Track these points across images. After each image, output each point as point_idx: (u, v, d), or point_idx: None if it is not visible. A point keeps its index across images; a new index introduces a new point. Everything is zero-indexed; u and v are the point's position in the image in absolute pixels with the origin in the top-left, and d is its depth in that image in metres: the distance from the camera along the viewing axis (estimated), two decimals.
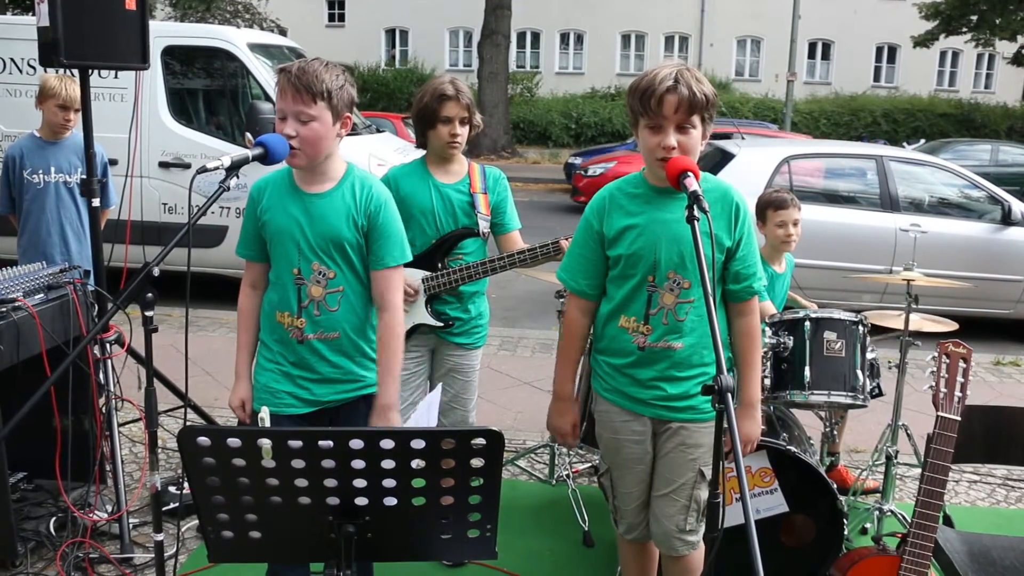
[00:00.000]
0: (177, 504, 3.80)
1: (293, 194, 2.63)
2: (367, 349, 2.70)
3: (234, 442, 1.73)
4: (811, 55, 33.40)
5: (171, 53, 8.12)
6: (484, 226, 3.44)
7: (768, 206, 4.15)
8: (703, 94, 2.47)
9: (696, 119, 2.49)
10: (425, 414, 2.48)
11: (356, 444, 1.72)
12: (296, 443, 1.72)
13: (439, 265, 3.41)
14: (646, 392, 2.68)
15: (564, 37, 34.17)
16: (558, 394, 2.89)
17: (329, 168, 2.64)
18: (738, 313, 2.72)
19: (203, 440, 1.73)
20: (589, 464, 4.65)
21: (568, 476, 4.34)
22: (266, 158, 2.44)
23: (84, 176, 4.31)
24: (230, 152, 2.42)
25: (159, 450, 4.12)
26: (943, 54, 32.66)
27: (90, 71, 3.83)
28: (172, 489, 3.96)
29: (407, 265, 3.35)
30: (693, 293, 2.60)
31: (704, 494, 2.69)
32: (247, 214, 2.71)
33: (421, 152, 3.51)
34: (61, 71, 4.45)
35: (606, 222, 2.66)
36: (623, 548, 3.00)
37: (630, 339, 2.66)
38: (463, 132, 3.36)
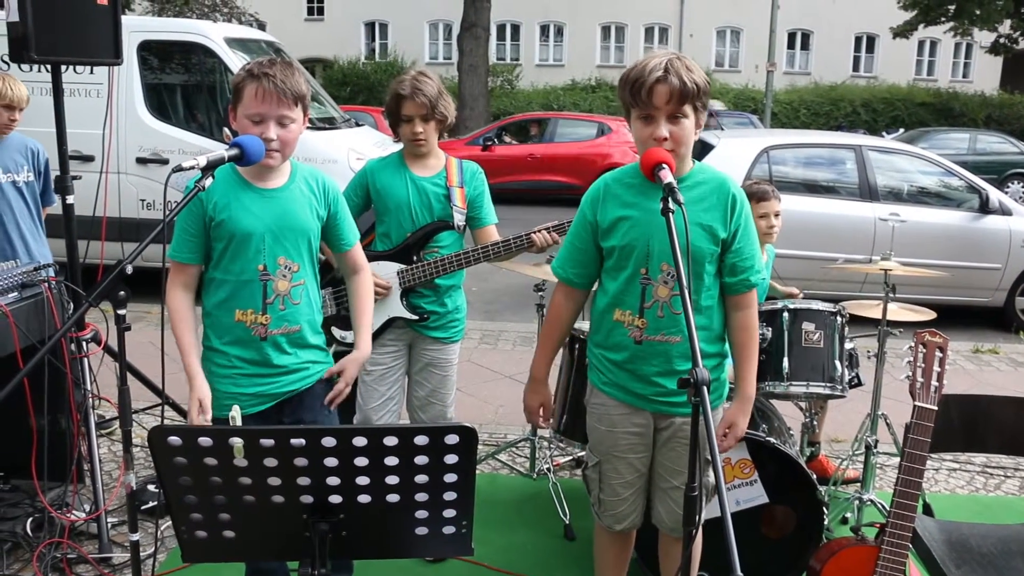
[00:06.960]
0: (157, 503, 3.77)
1: (248, 191, 2.62)
2: (318, 340, 2.79)
3: (205, 441, 1.72)
4: (791, 45, 33.50)
5: (147, 48, 8.04)
6: (460, 219, 3.43)
7: (750, 198, 4.12)
8: (694, 83, 2.44)
9: (688, 108, 2.47)
10: None
11: (328, 442, 1.71)
12: (268, 441, 1.72)
13: (414, 258, 3.40)
14: (648, 388, 2.66)
15: (544, 29, 34.13)
16: (533, 375, 2.90)
17: (285, 164, 2.69)
18: (735, 306, 2.68)
19: (174, 439, 1.72)
20: (570, 457, 4.65)
21: (549, 469, 4.33)
22: (242, 159, 2.45)
23: (31, 175, 4.31)
24: (208, 147, 2.41)
25: (139, 448, 4.10)
26: (921, 43, 32.80)
27: (63, 66, 3.78)
28: (151, 487, 3.93)
29: (381, 258, 3.39)
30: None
31: (710, 479, 2.70)
32: (191, 217, 2.58)
33: (400, 146, 3.50)
34: (5, 69, 4.36)
35: (600, 212, 2.64)
36: (602, 538, 2.99)
37: (626, 333, 2.64)
38: (425, 129, 3.34)
